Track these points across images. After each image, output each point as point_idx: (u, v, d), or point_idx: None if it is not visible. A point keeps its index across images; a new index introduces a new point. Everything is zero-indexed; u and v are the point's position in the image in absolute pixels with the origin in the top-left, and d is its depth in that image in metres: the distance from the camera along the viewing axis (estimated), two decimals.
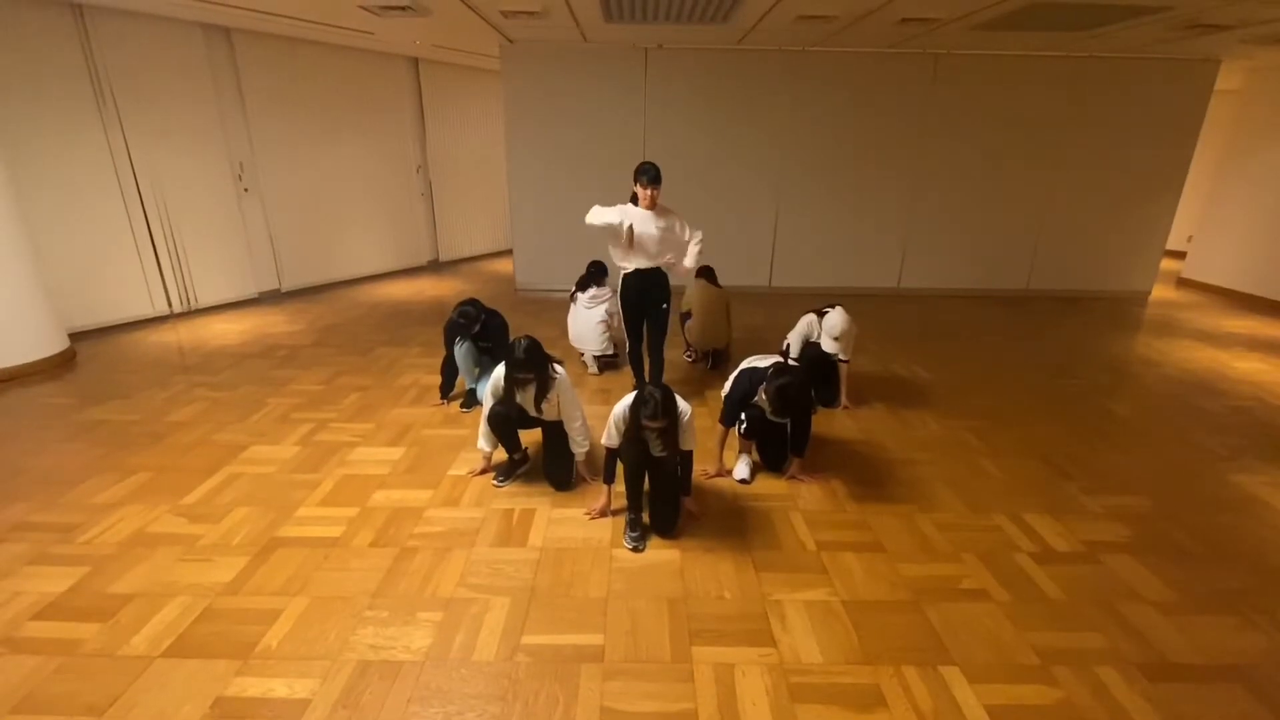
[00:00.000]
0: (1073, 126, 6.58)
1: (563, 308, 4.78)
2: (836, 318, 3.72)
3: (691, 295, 4.54)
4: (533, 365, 2.71)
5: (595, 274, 4.63)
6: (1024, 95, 6.47)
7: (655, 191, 3.40)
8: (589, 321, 4.46)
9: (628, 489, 2.61)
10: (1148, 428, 3.83)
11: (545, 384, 2.79)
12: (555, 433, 2.98)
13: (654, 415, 2.40)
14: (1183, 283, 7.86)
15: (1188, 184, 6.90)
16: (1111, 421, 3.92)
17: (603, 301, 4.50)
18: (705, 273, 4.65)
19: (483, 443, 3.03)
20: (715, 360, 4.63)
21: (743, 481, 3.07)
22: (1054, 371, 4.78)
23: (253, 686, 1.87)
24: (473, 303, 3.78)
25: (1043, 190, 6.84)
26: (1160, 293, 7.36)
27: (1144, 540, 2.68)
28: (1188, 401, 4.22)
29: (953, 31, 5.33)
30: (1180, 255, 8.38)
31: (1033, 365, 4.91)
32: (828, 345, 3.75)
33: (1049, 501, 2.96)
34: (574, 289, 4.61)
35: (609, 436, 2.62)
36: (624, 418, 2.55)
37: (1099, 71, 6.37)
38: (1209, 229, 7.59)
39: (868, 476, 3.17)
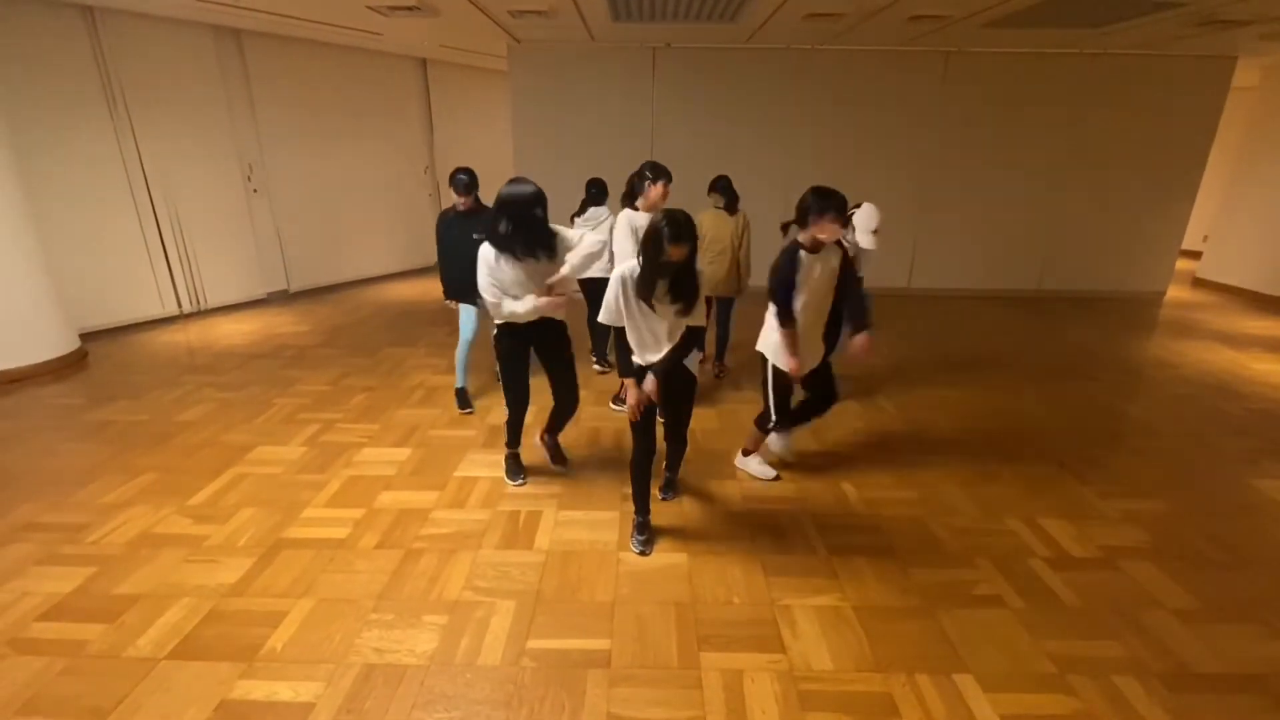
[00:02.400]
0: (1085, 124, 6.50)
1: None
2: (870, 209, 3.32)
3: (701, 229, 3.78)
4: (535, 210, 2.47)
5: (595, 194, 4.11)
6: (1035, 93, 6.39)
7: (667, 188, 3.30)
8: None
9: (634, 487, 2.58)
10: (1164, 430, 3.76)
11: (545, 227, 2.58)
12: (556, 352, 2.92)
13: (678, 237, 2.10)
14: (1198, 283, 7.74)
15: (1204, 182, 6.80)
16: (1127, 424, 3.86)
17: (603, 221, 4.01)
18: (722, 188, 4.00)
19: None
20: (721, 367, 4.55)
21: (776, 479, 3.07)
22: (1068, 373, 4.70)
23: (257, 690, 1.86)
24: (466, 172, 3.42)
25: (1055, 189, 6.75)
26: (1175, 293, 7.25)
27: (1162, 546, 2.62)
28: (1205, 404, 4.14)
29: (963, 29, 5.27)
30: (1196, 255, 8.25)
31: (1046, 366, 4.84)
32: (866, 241, 3.29)
33: (1064, 505, 2.91)
34: (572, 216, 4.15)
35: (607, 311, 2.36)
36: (630, 279, 2.28)
37: (1112, 69, 6.28)
38: (1225, 228, 7.48)
39: (878, 479, 3.13)
